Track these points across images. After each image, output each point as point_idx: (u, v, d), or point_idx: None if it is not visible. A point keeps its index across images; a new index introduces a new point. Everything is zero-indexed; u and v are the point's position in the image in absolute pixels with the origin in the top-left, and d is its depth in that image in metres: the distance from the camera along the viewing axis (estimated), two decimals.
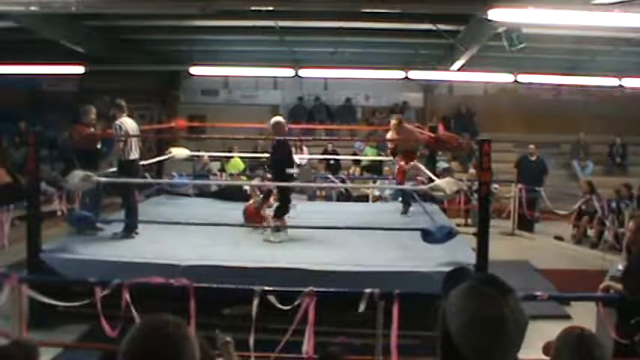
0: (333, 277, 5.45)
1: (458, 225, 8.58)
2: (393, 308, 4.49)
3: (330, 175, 11.81)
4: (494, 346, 1.28)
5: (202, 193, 10.28)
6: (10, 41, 11.18)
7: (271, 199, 7.66)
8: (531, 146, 11.86)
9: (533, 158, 11.70)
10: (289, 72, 12.49)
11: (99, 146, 7.28)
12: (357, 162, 13.18)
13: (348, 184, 11.64)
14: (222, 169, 12.41)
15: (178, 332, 1.33)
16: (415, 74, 13.00)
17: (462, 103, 14.85)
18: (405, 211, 8.59)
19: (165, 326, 1.34)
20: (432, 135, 8.58)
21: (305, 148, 13.50)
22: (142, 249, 6.27)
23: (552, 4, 7.12)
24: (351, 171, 13.00)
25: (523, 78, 12.62)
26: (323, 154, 13.16)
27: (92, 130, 7.21)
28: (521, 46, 8.47)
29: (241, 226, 7.36)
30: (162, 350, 1.30)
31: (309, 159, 12.89)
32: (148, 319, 1.35)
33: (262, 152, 13.23)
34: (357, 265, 5.80)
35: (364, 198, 11.38)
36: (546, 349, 2.28)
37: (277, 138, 7.11)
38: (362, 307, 4.56)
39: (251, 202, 7.93)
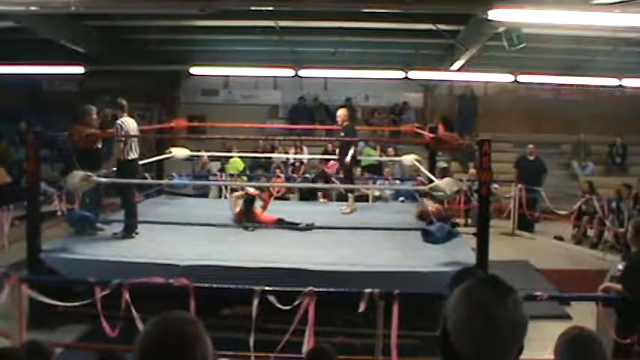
0: (333, 277, 5.45)
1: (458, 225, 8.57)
2: (393, 308, 4.49)
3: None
4: (488, 346, 1.28)
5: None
6: (10, 41, 11.18)
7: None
8: (530, 146, 11.86)
9: (532, 158, 11.70)
10: (289, 72, 12.49)
11: (99, 146, 7.28)
12: (357, 162, 13.16)
13: (348, 185, 11.61)
14: (222, 170, 12.40)
15: (193, 329, 1.34)
16: (415, 74, 13.00)
17: (467, 88, 14.90)
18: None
19: (181, 322, 1.35)
20: (432, 135, 8.57)
21: (305, 148, 13.51)
22: (141, 249, 6.27)
23: (552, 4, 7.12)
24: None
25: (523, 78, 12.64)
26: (323, 154, 13.15)
27: (92, 130, 7.20)
28: (521, 46, 8.47)
29: (241, 226, 7.36)
30: (177, 346, 1.30)
31: (309, 159, 12.89)
32: (164, 315, 1.36)
33: (263, 152, 13.30)
34: (357, 265, 5.79)
35: (364, 198, 11.38)
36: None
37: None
38: (362, 307, 4.56)
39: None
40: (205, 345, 1.34)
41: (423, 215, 7.95)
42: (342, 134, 8.67)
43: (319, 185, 10.78)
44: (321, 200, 11.14)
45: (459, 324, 1.30)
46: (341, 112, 8.83)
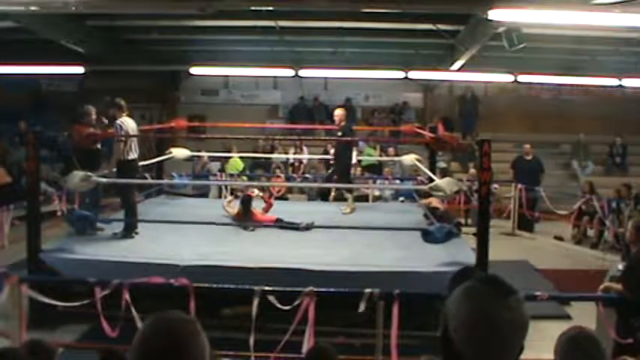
0: (333, 277, 5.45)
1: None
2: (393, 308, 4.49)
3: None
4: (490, 346, 1.28)
5: None
6: (10, 41, 11.19)
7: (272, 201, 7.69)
8: (526, 146, 11.84)
9: (529, 158, 11.69)
10: (289, 72, 12.50)
11: (99, 146, 7.28)
12: (357, 162, 13.17)
13: (348, 184, 11.60)
14: (222, 170, 12.41)
15: (190, 328, 1.35)
16: (415, 74, 13.00)
17: (468, 89, 14.88)
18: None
19: (177, 322, 1.36)
20: (432, 135, 8.58)
21: (305, 148, 13.51)
22: (142, 249, 6.27)
23: (552, 4, 7.12)
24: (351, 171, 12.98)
25: (523, 78, 12.64)
26: (323, 154, 13.15)
27: (92, 130, 7.20)
28: (521, 46, 8.47)
29: (241, 226, 7.36)
30: (172, 346, 1.31)
31: (309, 159, 12.91)
32: (159, 314, 1.37)
33: (263, 152, 13.30)
34: (357, 265, 5.79)
35: (364, 198, 11.38)
36: None
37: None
38: (362, 307, 4.56)
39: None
40: (202, 344, 1.35)
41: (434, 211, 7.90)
42: (340, 134, 8.66)
43: (319, 185, 10.80)
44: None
45: (461, 325, 1.30)
46: (338, 112, 8.79)
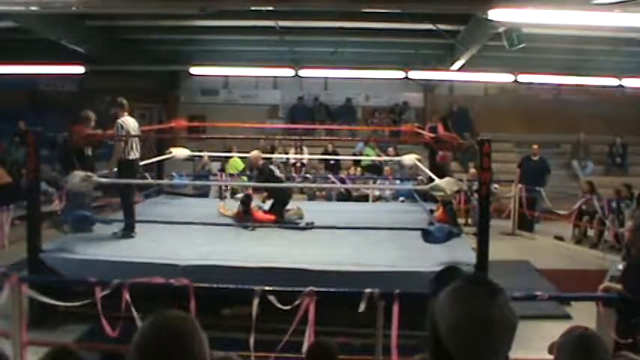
0: (333, 277, 5.45)
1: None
2: (393, 308, 4.49)
3: (330, 175, 11.83)
4: (481, 346, 1.28)
5: None
6: (10, 41, 11.19)
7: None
8: (534, 146, 11.84)
9: (536, 158, 11.69)
10: (289, 72, 12.51)
11: (89, 152, 7.28)
12: (357, 162, 13.20)
13: (348, 184, 11.64)
14: (222, 170, 12.42)
15: (189, 326, 1.36)
16: (415, 74, 13.00)
17: (454, 103, 14.78)
18: None
19: (175, 320, 1.37)
20: (432, 135, 8.58)
21: (305, 148, 13.52)
22: (141, 249, 6.27)
23: (552, 4, 7.12)
24: (351, 171, 13.02)
25: (523, 78, 12.65)
26: (323, 154, 13.16)
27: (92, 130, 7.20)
28: (521, 46, 8.47)
29: (240, 226, 7.36)
30: (172, 344, 1.32)
31: (309, 159, 12.91)
32: (158, 313, 1.38)
33: (263, 152, 13.30)
34: (357, 265, 5.80)
35: (364, 198, 11.39)
36: (551, 349, 2.28)
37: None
38: (362, 307, 4.55)
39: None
40: (202, 342, 1.36)
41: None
42: (260, 175, 7.93)
43: (319, 185, 10.80)
44: None
45: (450, 325, 1.30)
46: (254, 154, 8.17)
